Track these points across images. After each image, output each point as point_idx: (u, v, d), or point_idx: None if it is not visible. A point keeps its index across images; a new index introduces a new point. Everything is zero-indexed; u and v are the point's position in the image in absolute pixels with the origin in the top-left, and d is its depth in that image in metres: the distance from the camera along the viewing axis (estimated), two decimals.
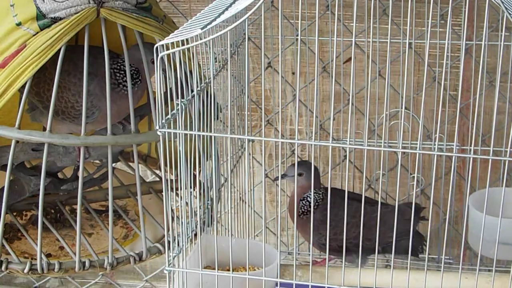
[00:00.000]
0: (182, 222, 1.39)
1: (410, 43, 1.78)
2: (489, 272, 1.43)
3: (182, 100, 1.28)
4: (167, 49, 1.20)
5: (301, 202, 1.56)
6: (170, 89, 1.31)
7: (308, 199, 1.55)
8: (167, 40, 1.20)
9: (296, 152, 1.35)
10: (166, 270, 1.36)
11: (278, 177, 1.56)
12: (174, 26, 1.57)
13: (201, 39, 1.19)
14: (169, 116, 1.27)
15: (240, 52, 1.63)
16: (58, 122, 1.52)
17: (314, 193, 1.54)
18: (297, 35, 1.78)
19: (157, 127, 1.27)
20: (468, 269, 1.65)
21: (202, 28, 1.18)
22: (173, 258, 1.36)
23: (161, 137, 1.28)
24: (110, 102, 1.43)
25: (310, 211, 1.53)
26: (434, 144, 1.25)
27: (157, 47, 1.22)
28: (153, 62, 1.49)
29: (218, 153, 1.53)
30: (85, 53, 1.41)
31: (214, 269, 1.37)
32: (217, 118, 1.42)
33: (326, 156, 1.97)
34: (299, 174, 1.53)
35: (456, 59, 1.86)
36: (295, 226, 1.58)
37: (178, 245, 1.36)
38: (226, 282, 1.35)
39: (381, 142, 1.69)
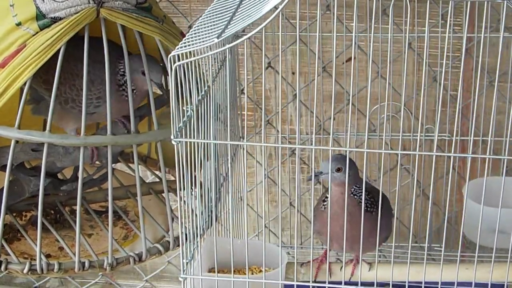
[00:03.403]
0: (192, 226, 1.38)
1: (410, 43, 1.78)
2: (488, 262, 1.44)
3: (191, 106, 1.27)
4: (179, 59, 1.19)
5: (355, 197, 1.40)
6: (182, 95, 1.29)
7: (360, 193, 1.38)
8: (181, 50, 1.19)
9: (297, 153, 1.35)
10: (181, 278, 1.35)
11: (311, 176, 1.39)
12: (174, 26, 1.57)
13: (216, 48, 1.17)
14: (181, 124, 1.26)
15: (236, 52, 1.63)
16: (66, 112, 1.52)
17: (357, 187, 1.40)
18: (297, 35, 1.78)
19: (172, 137, 1.25)
20: (468, 261, 1.66)
21: (218, 37, 1.16)
22: (186, 264, 1.35)
23: (175, 146, 1.26)
24: (113, 101, 1.43)
25: (376, 206, 1.41)
26: (435, 136, 1.25)
27: (170, 57, 1.20)
28: (143, 74, 1.48)
29: (218, 153, 1.52)
30: (85, 54, 1.41)
31: (220, 271, 1.37)
32: (218, 119, 1.42)
33: (327, 156, 1.97)
34: (337, 170, 1.38)
35: (456, 59, 1.85)
36: (362, 223, 1.35)
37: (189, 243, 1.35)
38: (235, 284, 1.36)
39: (381, 137, 1.69)
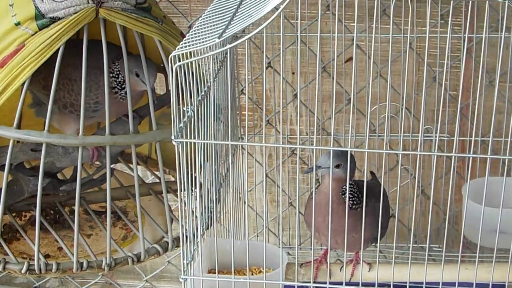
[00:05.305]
0: (192, 227, 1.38)
1: (410, 43, 1.77)
2: (488, 262, 1.44)
3: (191, 106, 1.27)
4: (179, 59, 1.18)
5: (343, 196, 1.41)
6: (182, 96, 1.29)
7: (350, 191, 1.40)
8: (182, 51, 1.18)
9: (298, 153, 1.35)
10: (182, 278, 1.34)
11: (311, 168, 1.39)
12: (174, 27, 1.56)
13: (217, 48, 1.17)
14: (181, 124, 1.26)
15: (236, 52, 1.63)
16: (65, 116, 1.52)
17: (350, 185, 1.41)
18: (298, 35, 1.78)
19: (173, 137, 1.25)
20: (468, 261, 1.66)
21: (219, 37, 1.16)
22: (187, 265, 1.35)
23: (176, 147, 1.25)
24: (110, 104, 1.43)
25: (362, 202, 1.35)
26: (436, 136, 1.25)
27: (171, 57, 1.20)
28: (137, 75, 1.48)
29: (218, 153, 1.52)
30: (83, 54, 1.40)
31: (219, 272, 1.37)
32: (218, 120, 1.42)
33: None
34: (336, 166, 1.38)
35: (456, 59, 1.85)
36: (346, 220, 1.35)
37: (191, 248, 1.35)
38: (236, 285, 1.36)
39: (381, 137, 1.69)
